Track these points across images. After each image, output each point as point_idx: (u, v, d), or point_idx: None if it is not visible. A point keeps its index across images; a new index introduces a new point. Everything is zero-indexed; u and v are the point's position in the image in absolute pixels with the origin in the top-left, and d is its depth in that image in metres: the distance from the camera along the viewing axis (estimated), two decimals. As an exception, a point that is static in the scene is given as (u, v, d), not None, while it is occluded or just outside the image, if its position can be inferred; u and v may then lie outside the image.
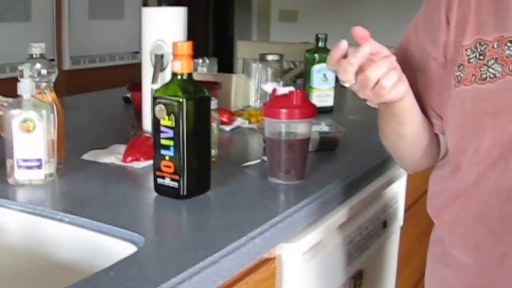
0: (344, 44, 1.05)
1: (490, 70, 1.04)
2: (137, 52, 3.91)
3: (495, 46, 1.05)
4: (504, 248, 1.06)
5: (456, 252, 1.15)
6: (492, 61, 1.05)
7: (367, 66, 1.04)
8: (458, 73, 1.09)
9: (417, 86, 1.18)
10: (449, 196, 1.15)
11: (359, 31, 1.05)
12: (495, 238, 1.07)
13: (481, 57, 1.06)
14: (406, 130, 1.19)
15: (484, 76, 1.05)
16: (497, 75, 1.04)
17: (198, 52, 2.61)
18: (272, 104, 1.30)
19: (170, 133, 1.17)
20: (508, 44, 1.04)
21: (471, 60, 1.07)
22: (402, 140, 1.22)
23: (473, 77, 1.06)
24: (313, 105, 1.32)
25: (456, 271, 1.16)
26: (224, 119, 1.81)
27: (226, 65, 3.68)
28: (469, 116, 1.07)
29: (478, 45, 1.07)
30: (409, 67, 1.18)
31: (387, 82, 1.05)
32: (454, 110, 1.11)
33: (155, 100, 1.18)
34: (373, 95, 1.07)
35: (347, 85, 1.07)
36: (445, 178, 1.17)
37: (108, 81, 3.27)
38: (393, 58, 1.07)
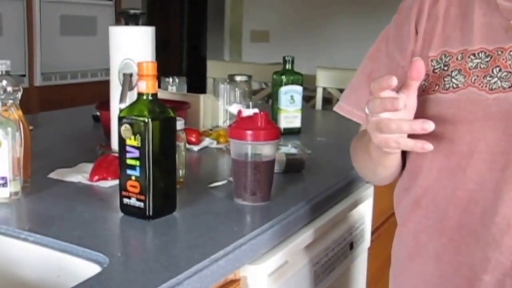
0: (394, 81, 0.97)
1: (453, 80, 1.08)
2: (110, 69, 3.90)
3: (459, 58, 1.09)
4: (462, 257, 1.08)
5: (418, 260, 1.16)
6: (456, 72, 1.08)
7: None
8: (422, 83, 1.11)
9: None
10: (412, 204, 1.17)
11: (418, 65, 0.99)
12: (454, 248, 1.09)
13: (445, 68, 1.10)
14: (391, 169, 1.21)
15: (447, 86, 1.09)
16: (459, 85, 1.07)
17: (172, 71, 2.62)
18: (238, 125, 1.31)
19: (136, 153, 1.17)
20: (471, 56, 1.08)
21: (436, 71, 1.11)
22: (384, 170, 1.22)
23: (437, 86, 1.10)
24: (277, 127, 1.33)
25: (415, 282, 1.17)
26: (192, 139, 1.81)
27: (199, 85, 3.68)
28: None
29: (443, 57, 1.11)
30: (379, 74, 1.20)
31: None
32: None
33: (120, 120, 1.18)
34: (384, 142, 1.03)
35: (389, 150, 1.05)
36: (407, 188, 1.19)
37: (80, 98, 3.26)
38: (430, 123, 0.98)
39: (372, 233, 1.77)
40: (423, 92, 1.12)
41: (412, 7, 1.19)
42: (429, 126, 0.95)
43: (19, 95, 1.33)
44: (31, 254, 1.11)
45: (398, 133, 0.99)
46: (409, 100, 1.01)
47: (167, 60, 7.08)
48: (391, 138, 1.01)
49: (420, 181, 1.14)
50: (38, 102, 3.77)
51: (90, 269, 1.01)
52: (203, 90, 2.72)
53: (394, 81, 0.97)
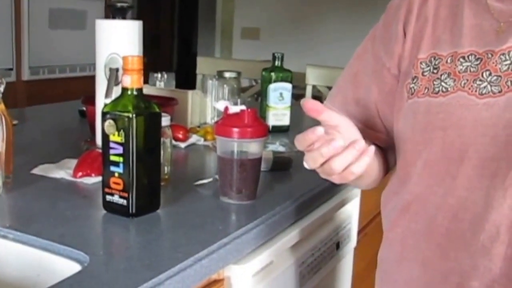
0: (320, 131, 0.98)
1: (443, 84, 1.06)
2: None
3: (448, 61, 1.07)
4: (450, 264, 1.06)
5: (406, 266, 1.15)
6: (445, 75, 1.07)
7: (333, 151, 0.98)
8: (412, 85, 1.11)
9: (370, 94, 1.20)
10: (400, 209, 1.15)
11: (310, 104, 1.00)
12: (441, 254, 1.08)
13: (435, 71, 1.08)
14: (371, 177, 1.22)
15: (437, 89, 1.07)
16: (449, 89, 1.05)
17: (163, 67, 2.60)
18: (224, 122, 1.29)
19: (120, 149, 1.15)
20: (461, 60, 1.06)
21: (425, 73, 1.09)
22: (363, 180, 1.21)
23: (426, 89, 1.08)
24: (265, 125, 1.31)
25: (402, 287, 1.16)
26: (179, 136, 1.80)
27: (189, 81, 3.66)
28: (420, 129, 1.09)
29: (432, 59, 1.10)
30: (365, 75, 1.21)
31: (355, 168, 0.99)
32: (405, 122, 1.12)
33: (104, 115, 1.16)
34: (338, 178, 1.03)
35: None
36: (396, 192, 1.18)
37: (68, 93, 3.23)
38: (361, 142, 0.98)
39: (359, 232, 1.76)
40: (413, 96, 1.10)
41: (400, 7, 1.17)
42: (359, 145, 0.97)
43: (1, 88, 1.30)
44: (11, 252, 1.09)
45: (346, 166, 0.98)
46: (332, 121, 1.03)
47: (158, 56, 7.07)
48: (346, 175, 1.00)
49: (410, 187, 1.13)
50: (26, 97, 3.74)
51: (70, 267, 0.99)
52: (193, 87, 2.70)
53: (319, 131, 0.98)
